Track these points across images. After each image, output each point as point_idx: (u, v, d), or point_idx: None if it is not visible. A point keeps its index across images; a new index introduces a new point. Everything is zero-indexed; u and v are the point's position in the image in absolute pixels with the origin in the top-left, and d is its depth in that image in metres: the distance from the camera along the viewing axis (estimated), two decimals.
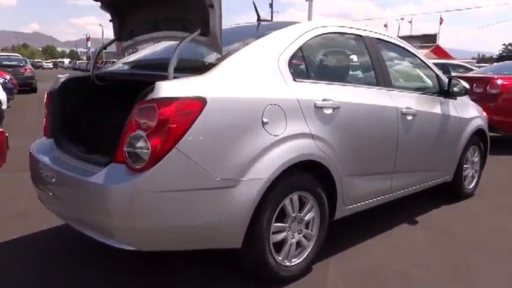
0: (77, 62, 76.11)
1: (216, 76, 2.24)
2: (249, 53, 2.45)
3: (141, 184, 1.98)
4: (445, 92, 3.82)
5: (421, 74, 3.86)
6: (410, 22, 50.89)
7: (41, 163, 2.60)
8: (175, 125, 2.00)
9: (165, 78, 2.14)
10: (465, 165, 4.21)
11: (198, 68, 2.33)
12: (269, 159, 2.27)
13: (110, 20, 2.96)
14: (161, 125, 1.98)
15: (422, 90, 3.70)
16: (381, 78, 3.17)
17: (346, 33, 3.10)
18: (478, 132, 4.28)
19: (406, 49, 3.65)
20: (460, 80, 3.84)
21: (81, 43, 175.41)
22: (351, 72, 3.18)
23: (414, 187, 3.59)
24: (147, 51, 3.33)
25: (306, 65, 2.67)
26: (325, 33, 2.87)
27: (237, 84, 2.28)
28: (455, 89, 3.80)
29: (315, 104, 2.55)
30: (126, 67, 3.04)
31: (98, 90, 2.93)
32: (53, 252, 2.90)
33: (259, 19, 3.40)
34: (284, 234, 2.46)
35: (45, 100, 2.90)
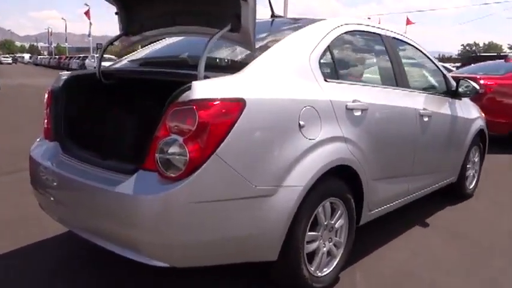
0: (38, 57, 73.32)
1: (250, 75, 2.08)
2: (280, 50, 2.29)
3: (178, 195, 1.79)
4: (452, 93, 3.78)
5: (432, 73, 3.81)
6: (379, 22, 51.80)
7: (47, 169, 2.35)
8: (215, 129, 1.82)
9: (194, 77, 1.95)
10: (467, 166, 4.21)
11: (227, 66, 2.16)
12: (306, 165, 2.13)
13: (116, 13, 2.73)
14: (201, 129, 1.79)
15: (433, 90, 3.66)
16: (400, 79, 3.09)
17: (367, 32, 2.99)
18: (480, 133, 4.29)
19: (418, 48, 3.59)
20: (469, 81, 3.81)
21: (42, 37, 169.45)
22: (374, 73, 3.08)
23: (428, 189, 3.54)
24: (149, 48, 3.11)
25: (334, 64, 2.54)
26: (349, 31, 2.75)
27: (273, 84, 2.12)
28: (463, 89, 3.77)
29: (346, 105, 2.43)
30: (135, 64, 2.82)
31: (105, 89, 2.70)
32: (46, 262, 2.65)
33: (273, 15, 3.24)
34: (317, 243, 2.33)
35: (45, 99, 2.64)
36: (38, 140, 2.70)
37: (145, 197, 1.82)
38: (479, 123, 4.25)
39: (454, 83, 3.82)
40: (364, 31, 2.97)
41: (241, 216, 1.95)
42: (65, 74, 2.69)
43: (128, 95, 2.59)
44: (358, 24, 2.91)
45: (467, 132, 4.00)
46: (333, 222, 2.41)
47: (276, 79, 2.15)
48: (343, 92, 2.46)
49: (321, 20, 2.69)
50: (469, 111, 4.08)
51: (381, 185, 2.77)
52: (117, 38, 2.75)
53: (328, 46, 2.50)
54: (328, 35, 2.54)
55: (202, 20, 2.31)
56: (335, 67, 2.54)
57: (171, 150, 1.82)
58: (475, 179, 4.48)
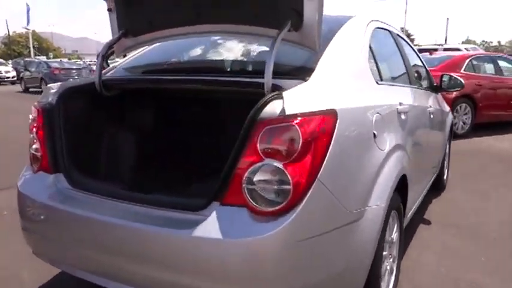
0: None
1: (325, 81, 1.80)
2: (337, 51, 2.02)
3: (284, 234, 1.45)
4: (435, 87, 3.82)
5: (420, 69, 3.81)
6: None
7: (55, 210, 1.86)
8: (318, 148, 1.52)
9: (260, 86, 1.63)
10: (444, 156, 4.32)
11: (285, 71, 1.85)
12: (383, 180, 1.91)
13: (109, 10, 2.25)
14: (305, 149, 1.48)
15: (424, 85, 3.65)
16: (411, 77, 3.02)
17: (383, 29, 2.84)
18: (451, 125, 4.43)
19: (408, 43, 3.54)
20: (452, 75, 3.87)
21: None
22: (399, 71, 2.94)
23: (428, 185, 3.53)
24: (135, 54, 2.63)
25: (377, 65, 2.33)
26: (376, 28, 2.57)
27: (346, 90, 1.87)
28: (448, 83, 3.82)
29: (397, 109, 2.25)
30: (139, 72, 2.38)
31: (107, 102, 2.21)
32: None
33: None
34: (385, 263, 2.12)
35: (33, 120, 2.09)
36: (25, 172, 2.13)
37: (242, 241, 1.45)
38: (451, 116, 4.39)
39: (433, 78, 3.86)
40: (381, 28, 2.81)
41: (339, 248, 1.67)
42: (55, 87, 2.15)
43: (160, 108, 2.15)
44: (377, 21, 2.74)
45: (446, 125, 4.09)
46: (392, 236, 2.23)
47: (346, 84, 1.90)
48: (391, 95, 2.30)
49: (351, 16, 2.46)
50: (444, 104, 4.18)
51: (413, 189, 2.65)
52: (116, 40, 2.25)
53: (370, 45, 2.29)
54: (366, 33, 2.33)
55: (244, 16, 1.95)
56: (378, 68, 2.34)
57: (267, 178, 1.48)
58: (447, 169, 4.63)
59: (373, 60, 2.30)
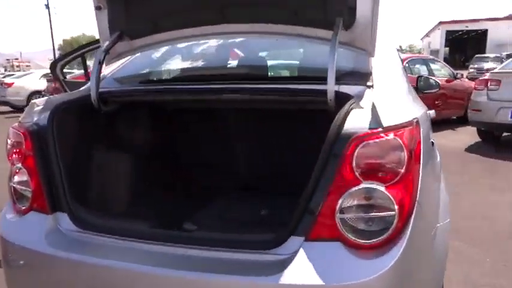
0: None
1: (391, 87, 1.60)
2: (381, 52, 1.82)
3: (397, 270, 1.20)
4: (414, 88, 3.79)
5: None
6: None
7: (69, 263, 1.44)
8: (416, 165, 1.30)
9: (321, 93, 1.40)
10: None
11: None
12: (444, 191, 1.74)
13: (98, 8, 1.85)
14: (408, 166, 1.25)
15: None
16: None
17: None
18: None
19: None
20: (429, 77, 3.88)
21: None
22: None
23: None
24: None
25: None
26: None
27: (409, 95, 1.67)
28: (423, 85, 3.82)
29: (429, 114, 2.11)
30: (138, 81, 2.01)
31: (105, 119, 1.83)
32: None
33: None
34: None
35: (15, 146, 1.63)
36: (7, 214, 1.66)
37: (351, 285, 1.18)
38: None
39: None
40: None
41: (430, 270, 1.46)
42: (41, 103, 1.71)
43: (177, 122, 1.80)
44: None
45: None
46: None
47: (405, 89, 1.71)
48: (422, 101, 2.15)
49: None
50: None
51: None
52: (114, 43, 1.85)
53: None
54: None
55: (281, 14, 1.67)
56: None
57: (366, 204, 1.22)
58: None
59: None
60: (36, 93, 13.03)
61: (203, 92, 1.73)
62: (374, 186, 1.22)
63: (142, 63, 2.21)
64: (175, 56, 2.28)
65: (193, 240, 1.39)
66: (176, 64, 2.24)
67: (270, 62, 2.25)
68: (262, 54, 2.24)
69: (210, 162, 2.29)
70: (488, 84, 6.12)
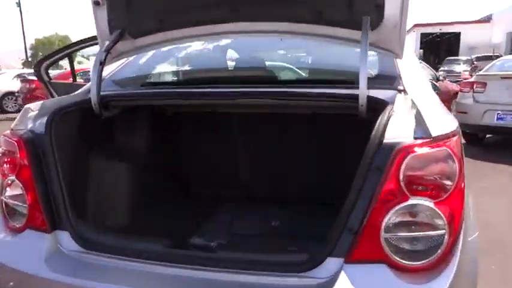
0: None
1: (423, 92, 1.51)
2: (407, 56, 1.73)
3: None
4: None
5: None
6: None
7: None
8: (461, 176, 1.19)
9: (351, 98, 1.30)
10: None
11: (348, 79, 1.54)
12: (471, 202, 1.65)
13: (96, 3, 1.69)
14: (459, 179, 1.15)
15: None
16: None
17: None
18: None
19: None
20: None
21: None
22: None
23: None
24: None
25: None
26: None
27: (440, 102, 1.58)
28: None
29: None
30: (139, 84, 1.86)
31: (106, 125, 1.68)
32: None
33: None
34: None
35: (7, 156, 1.46)
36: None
37: None
38: None
39: None
40: None
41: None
42: (36, 108, 1.54)
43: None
44: None
45: None
46: None
47: (434, 94, 1.62)
48: None
49: None
50: None
51: None
52: (115, 42, 1.69)
53: None
54: None
55: (302, 12, 1.55)
56: None
57: (415, 222, 1.11)
58: None
59: None
60: (10, 94, 12.66)
61: (221, 95, 1.59)
62: (422, 202, 1.11)
63: (142, 64, 2.05)
64: (178, 56, 2.13)
65: (214, 262, 1.26)
66: (180, 65, 2.10)
67: (278, 64, 2.14)
68: (272, 55, 2.12)
69: (212, 170, 2.16)
70: (474, 87, 6.16)
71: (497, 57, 12.53)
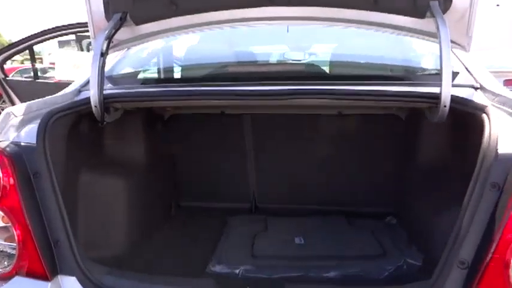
0: None
1: (498, 89, 1.31)
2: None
3: None
4: None
5: None
6: None
7: None
8: None
9: (432, 97, 1.09)
10: None
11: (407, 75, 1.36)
12: None
13: None
14: None
15: None
16: None
17: None
18: None
19: None
20: None
21: None
22: None
23: None
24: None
25: None
26: None
27: None
28: None
29: None
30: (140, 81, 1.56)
31: (105, 132, 1.36)
32: None
33: None
34: None
35: None
36: None
37: None
38: None
39: None
40: None
41: None
42: (19, 112, 1.19)
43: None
44: None
45: None
46: None
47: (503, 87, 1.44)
48: None
49: None
50: None
51: None
52: (117, 29, 1.36)
53: None
54: None
55: None
56: None
57: None
58: None
59: None
60: None
61: (267, 95, 1.31)
62: None
63: (141, 57, 1.72)
64: (184, 46, 1.82)
65: None
66: (193, 56, 1.79)
67: (322, 57, 1.91)
68: (313, 47, 1.87)
69: (217, 181, 1.90)
70: None
71: None
